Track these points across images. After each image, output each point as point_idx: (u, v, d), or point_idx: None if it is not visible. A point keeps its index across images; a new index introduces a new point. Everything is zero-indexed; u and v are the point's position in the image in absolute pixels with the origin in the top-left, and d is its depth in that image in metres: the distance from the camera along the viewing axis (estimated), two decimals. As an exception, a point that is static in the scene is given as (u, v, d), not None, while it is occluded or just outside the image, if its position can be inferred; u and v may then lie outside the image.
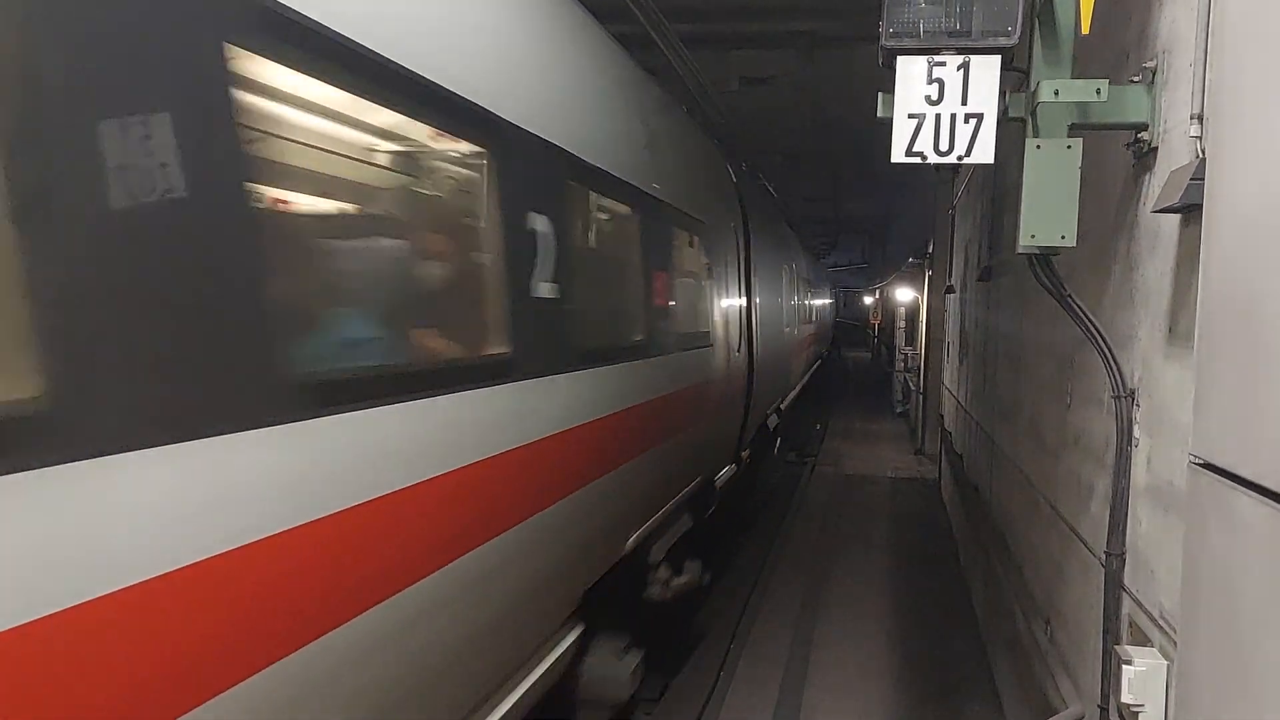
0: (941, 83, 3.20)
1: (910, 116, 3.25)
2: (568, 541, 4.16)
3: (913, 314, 21.60)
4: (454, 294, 3.36)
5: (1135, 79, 3.28)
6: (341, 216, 2.98)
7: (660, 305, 5.78)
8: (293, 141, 2.67)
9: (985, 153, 3.21)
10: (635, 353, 5.15)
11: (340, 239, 2.99)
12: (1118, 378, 3.43)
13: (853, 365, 40.22)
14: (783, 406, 14.03)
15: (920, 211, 19.57)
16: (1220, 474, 2.05)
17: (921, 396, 17.12)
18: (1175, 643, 2.76)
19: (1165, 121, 3.12)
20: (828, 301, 32.96)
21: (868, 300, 40.40)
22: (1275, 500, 1.80)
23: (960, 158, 3.22)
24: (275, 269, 2.34)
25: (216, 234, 2.10)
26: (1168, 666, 2.91)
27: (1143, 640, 3.19)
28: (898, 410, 22.51)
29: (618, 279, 5.23)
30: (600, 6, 5.29)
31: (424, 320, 3.21)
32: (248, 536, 2.15)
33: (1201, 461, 2.17)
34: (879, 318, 35.76)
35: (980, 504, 8.35)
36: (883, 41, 3.24)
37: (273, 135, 2.50)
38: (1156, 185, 3.12)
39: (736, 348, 8.53)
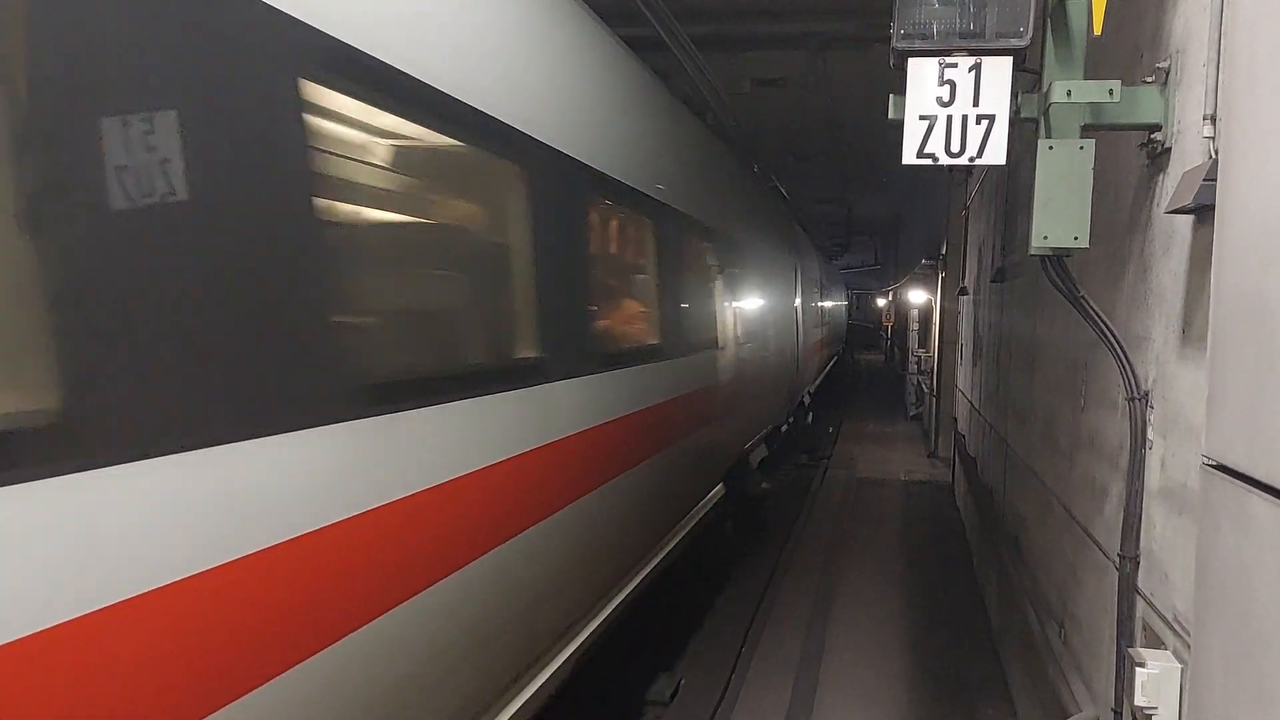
0: (953, 84, 3.19)
1: (921, 118, 3.24)
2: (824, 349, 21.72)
3: (926, 316, 21.53)
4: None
5: (1148, 79, 3.27)
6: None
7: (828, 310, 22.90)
8: None
9: (997, 154, 3.20)
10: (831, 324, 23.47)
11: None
12: (1131, 380, 3.41)
13: (865, 368, 40.06)
14: (842, 350, 32.29)
15: (933, 213, 19.51)
16: (1233, 476, 2.04)
17: (935, 399, 17.05)
18: (1189, 645, 2.74)
19: (1179, 122, 3.11)
20: (843, 303, 35.14)
21: (880, 302, 40.30)
22: (1289, 502, 1.79)
23: (972, 159, 3.21)
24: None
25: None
26: (1181, 670, 2.89)
27: (1156, 643, 3.17)
28: (911, 413, 22.43)
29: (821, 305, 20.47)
30: (612, 9, 5.32)
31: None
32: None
33: (1214, 463, 2.16)
34: (891, 320, 35.65)
35: (993, 506, 8.32)
36: (894, 43, 3.23)
37: None
38: (1170, 186, 3.11)
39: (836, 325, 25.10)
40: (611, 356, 4.73)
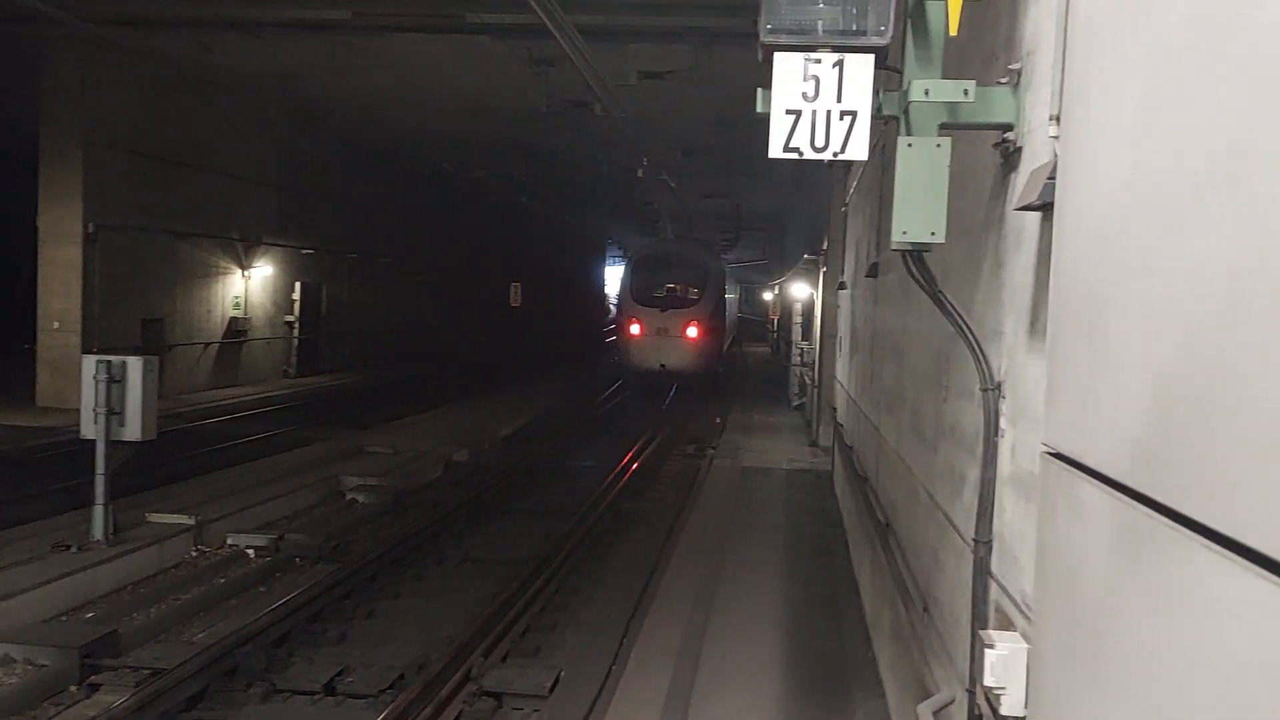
0: (817, 80, 3.24)
1: (788, 112, 3.28)
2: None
3: (808, 310, 21.99)
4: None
5: (1002, 80, 3.37)
6: None
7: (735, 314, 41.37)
8: None
9: (859, 149, 3.26)
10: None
11: None
12: (986, 371, 3.53)
13: (753, 360, 40.78)
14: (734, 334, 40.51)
15: (816, 209, 19.89)
16: (1068, 463, 2.12)
17: (816, 390, 17.44)
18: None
19: (1029, 122, 3.22)
20: (735, 297, 38.76)
21: (767, 296, 41.53)
22: (1115, 488, 1.87)
23: (835, 154, 3.26)
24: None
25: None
26: (1028, 650, 3.00)
27: (1007, 625, 3.28)
28: (795, 404, 22.89)
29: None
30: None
31: None
32: None
33: (1052, 451, 2.23)
34: (777, 313, 36.39)
35: (867, 494, 8.54)
36: (761, 38, 3.26)
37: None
38: (1021, 184, 3.22)
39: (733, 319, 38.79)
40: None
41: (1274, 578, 1.20)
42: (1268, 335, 1.26)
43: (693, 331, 25.20)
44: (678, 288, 26.09)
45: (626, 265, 28.30)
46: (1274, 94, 1.27)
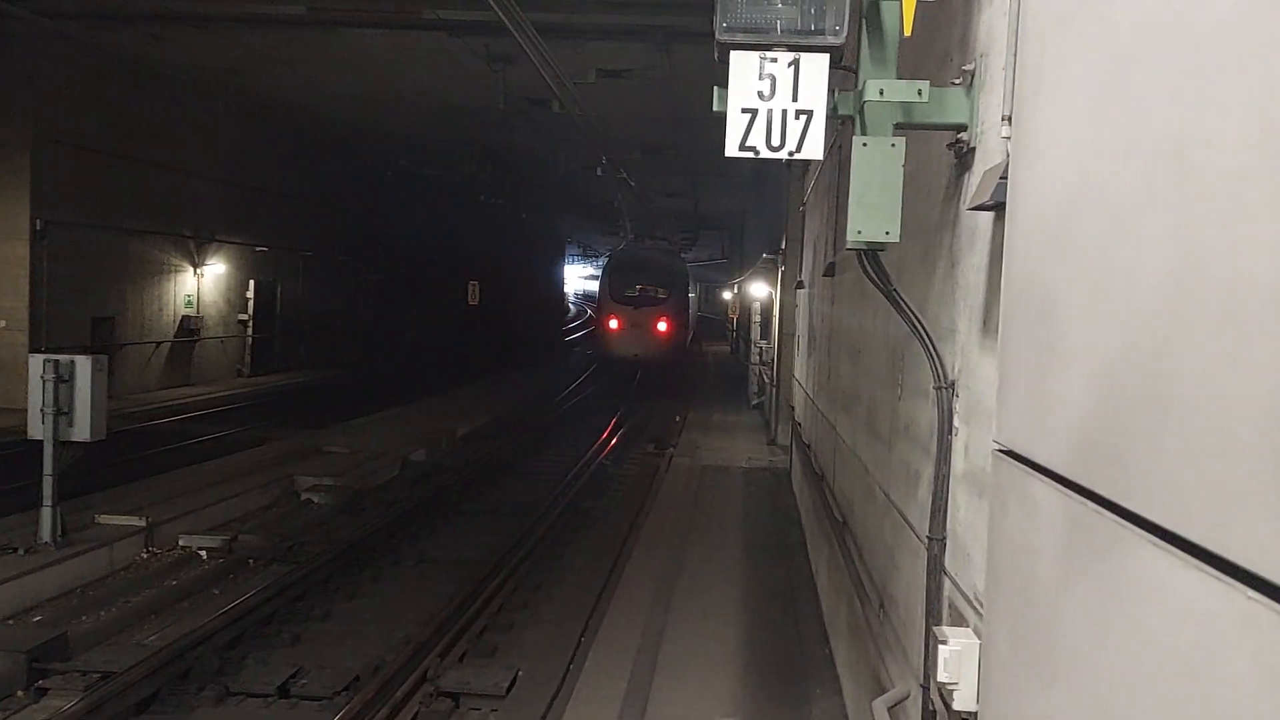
0: (773, 79, 3.25)
1: (744, 111, 3.28)
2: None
3: (767, 309, 22.09)
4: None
5: (956, 81, 3.41)
6: None
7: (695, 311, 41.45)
8: None
9: (815, 149, 3.27)
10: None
11: None
12: (940, 369, 3.56)
13: (713, 359, 40.93)
14: (695, 330, 40.82)
15: (775, 208, 19.99)
16: (1018, 460, 2.14)
17: (774, 389, 17.53)
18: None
19: (982, 123, 3.25)
20: (696, 295, 41.11)
21: (727, 295, 42.05)
22: (1063, 485, 1.89)
23: (791, 153, 3.27)
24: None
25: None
26: (980, 646, 3.03)
27: (960, 621, 3.32)
28: (754, 403, 22.99)
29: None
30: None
31: None
32: None
33: (1003, 448, 2.26)
34: (737, 312, 36.66)
35: (824, 492, 8.60)
36: (717, 36, 3.26)
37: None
38: (974, 184, 3.25)
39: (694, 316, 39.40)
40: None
41: (1218, 574, 1.22)
42: (1211, 334, 1.28)
43: (662, 326, 29.32)
44: (649, 288, 30.01)
45: (604, 268, 32.93)
46: (1219, 95, 1.30)
